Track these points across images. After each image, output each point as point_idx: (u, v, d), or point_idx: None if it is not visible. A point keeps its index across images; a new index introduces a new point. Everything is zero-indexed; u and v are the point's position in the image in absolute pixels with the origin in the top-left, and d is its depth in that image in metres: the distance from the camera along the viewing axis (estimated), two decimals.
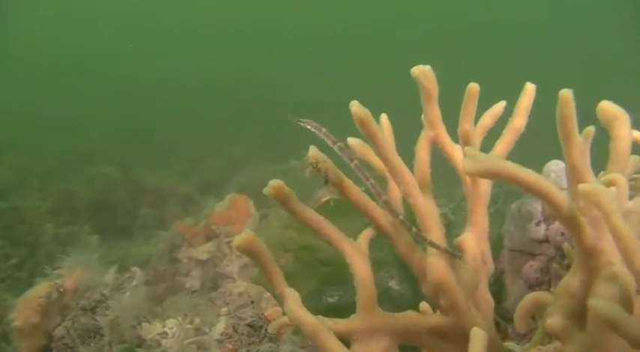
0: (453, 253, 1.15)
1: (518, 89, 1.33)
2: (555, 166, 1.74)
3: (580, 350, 0.91)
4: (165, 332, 2.22)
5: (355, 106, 1.13)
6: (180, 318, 1.94)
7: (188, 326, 2.22)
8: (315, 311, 1.26)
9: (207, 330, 2.02)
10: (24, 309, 1.89)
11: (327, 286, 1.87)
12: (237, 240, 1.08)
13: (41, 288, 1.90)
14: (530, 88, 1.31)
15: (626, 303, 0.90)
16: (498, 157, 1.15)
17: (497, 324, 1.60)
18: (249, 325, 1.57)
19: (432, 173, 1.28)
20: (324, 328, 1.01)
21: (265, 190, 1.13)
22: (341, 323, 1.14)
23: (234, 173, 6.64)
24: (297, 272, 1.90)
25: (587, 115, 1.10)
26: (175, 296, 3.67)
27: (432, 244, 1.12)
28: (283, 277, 1.15)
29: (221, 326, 1.68)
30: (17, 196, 5.89)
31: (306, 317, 1.02)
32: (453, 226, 2.20)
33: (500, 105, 1.35)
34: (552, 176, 1.71)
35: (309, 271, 2.01)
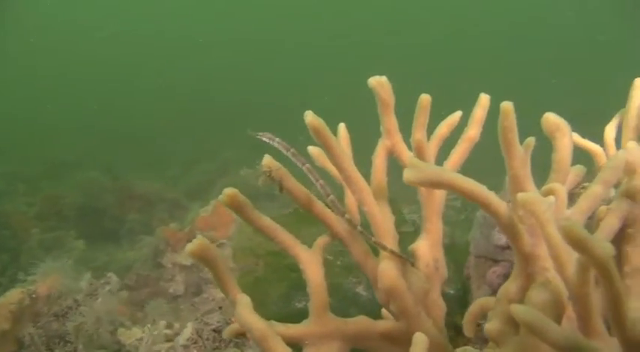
0: (402, 256, 1.18)
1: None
2: None
3: (513, 351, 0.94)
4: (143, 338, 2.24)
5: (309, 116, 1.16)
6: (149, 325, 1.95)
7: (167, 331, 2.25)
8: (284, 316, 1.29)
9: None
10: None
11: (296, 291, 1.90)
12: (190, 246, 1.10)
13: (13, 295, 1.91)
14: (484, 99, 1.34)
15: (558, 308, 0.93)
16: (441, 167, 1.19)
17: (460, 329, 1.63)
18: (214, 330, 1.59)
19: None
20: (272, 333, 1.04)
21: (220, 198, 1.16)
22: (293, 329, 1.17)
23: (221, 177, 6.67)
24: (266, 277, 1.93)
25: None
26: (158, 301, 3.69)
27: (378, 244, 1.16)
28: (236, 283, 1.17)
29: (188, 331, 1.70)
30: (4, 201, 5.88)
31: (255, 322, 1.04)
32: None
33: (456, 115, 1.39)
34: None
35: (279, 276, 2.03)
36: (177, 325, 2.38)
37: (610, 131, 1.40)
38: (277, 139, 1.19)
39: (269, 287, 1.92)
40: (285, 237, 1.21)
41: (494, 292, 1.90)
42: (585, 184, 1.34)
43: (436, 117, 1.39)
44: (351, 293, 1.90)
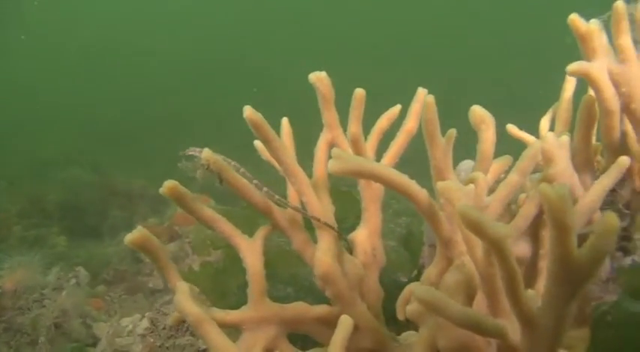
0: (333, 228, 1.23)
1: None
2: (466, 165, 1.83)
3: (430, 331, 1.00)
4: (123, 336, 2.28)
5: (248, 111, 1.21)
6: (115, 318, 2.00)
7: (141, 323, 2.29)
8: (244, 305, 1.33)
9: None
10: None
11: None
12: (129, 236, 1.15)
13: None
14: (421, 93, 1.39)
15: (469, 289, 0.99)
16: (363, 158, 1.24)
17: None
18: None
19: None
20: (206, 318, 1.09)
21: (160, 190, 1.21)
22: (232, 314, 1.22)
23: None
24: (226, 268, 1.98)
25: None
26: (135, 296, 3.73)
27: (313, 218, 1.22)
28: (177, 271, 1.22)
29: (145, 321, 1.75)
30: None
31: (191, 308, 1.09)
32: None
33: (395, 109, 1.44)
34: (462, 175, 1.80)
35: (238, 268, 2.08)
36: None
37: (544, 124, 1.46)
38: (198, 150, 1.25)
39: (229, 278, 1.96)
40: (226, 227, 1.26)
41: None
42: (532, 176, 1.40)
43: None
44: (307, 283, 1.95)
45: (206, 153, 1.24)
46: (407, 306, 1.06)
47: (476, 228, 0.82)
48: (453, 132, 1.14)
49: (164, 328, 1.66)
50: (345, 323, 0.99)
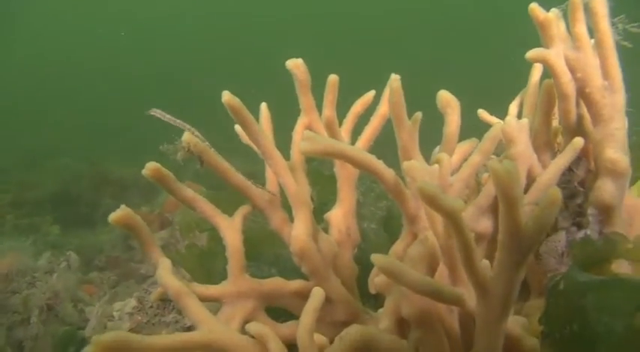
0: (264, 189, 1.32)
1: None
2: None
3: (394, 301, 1.07)
4: (112, 315, 2.35)
5: (226, 95, 1.27)
6: (102, 299, 2.07)
7: (129, 302, 2.36)
8: None
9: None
10: None
11: None
12: (113, 215, 1.21)
13: None
14: (394, 79, 1.45)
15: (431, 260, 1.07)
16: (333, 139, 1.31)
17: None
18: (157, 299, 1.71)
19: None
20: (187, 291, 1.15)
21: (143, 172, 1.27)
22: (212, 289, 1.29)
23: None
24: (211, 249, 2.04)
25: None
26: (128, 282, 3.79)
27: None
28: (159, 248, 1.28)
29: (132, 300, 1.82)
30: None
31: (172, 282, 1.16)
32: (361, 207, 2.36)
33: (370, 94, 1.50)
34: None
35: (223, 248, 2.15)
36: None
37: (513, 108, 1.52)
38: (168, 116, 1.30)
39: (214, 259, 2.03)
40: (206, 207, 1.33)
41: None
42: (492, 156, 1.47)
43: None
44: (290, 263, 2.02)
45: (187, 136, 1.30)
46: (375, 278, 1.13)
47: (432, 202, 0.88)
48: (418, 115, 1.21)
49: (151, 307, 1.73)
50: (317, 293, 1.06)
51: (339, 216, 1.41)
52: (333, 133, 1.38)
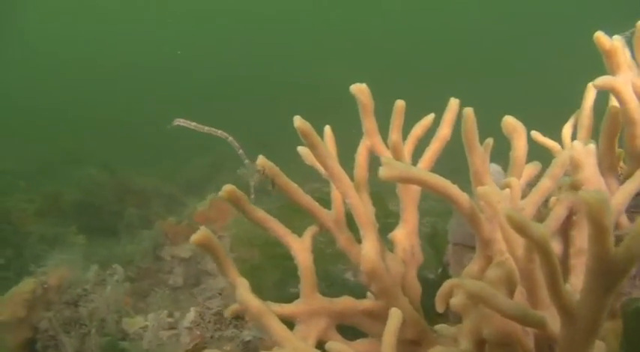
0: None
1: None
2: (492, 169, 1.94)
3: (473, 321, 1.11)
4: (146, 326, 2.40)
5: (298, 121, 1.32)
6: (152, 313, 2.12)
7: (169, 319, 2.41)
8: (279, 300, 1.45)
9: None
10: (10, 305, 2.06)
11: (290, 278, 2.07)
12: (194, 236, 1.26)
13: (26, 285, 2.06)
14: (453, 103, 1.50)
15: (510, 284, 1.10)
16: (410, 165, 1.35)
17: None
18: (215, 313, 1.75)
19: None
20: (268, 310, 1.20)
21: (220, 194, 1.32)
22: (286, 308, 1.33)
23: (217, 172, 6.83)
24: (262, 265, 2.09)
25: None
26: (160, 293, 3.85)
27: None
28: (236, 268, 1.33)
29: (191, 315, 1.86)
30: (4, 199, 6.01)
31: (252, 301, 1.20)
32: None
33: (429, 117, 1.55)
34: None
35: (274, 264, 2.19)
36: (177, 313, 2.55)
37: (567, 130, 1.56)
38: (193, 123, 1.34)
39: (264, 274, 2.08)
40: (278, 227, 1.37)
41: None
42: (565, 177, 1.51)
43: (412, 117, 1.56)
44: (340, 279, 2.07)
45: (261, 160, 1.35)
46: (451, 299, 1.17)
47: (522, 230, 0.92)
48: (490, 141, 1.25)
49: (209, 322, 1.78)
50: (396, 314, 1.10)
51: (404, 235, 1.45)
52: (399, 156, 1.42)
